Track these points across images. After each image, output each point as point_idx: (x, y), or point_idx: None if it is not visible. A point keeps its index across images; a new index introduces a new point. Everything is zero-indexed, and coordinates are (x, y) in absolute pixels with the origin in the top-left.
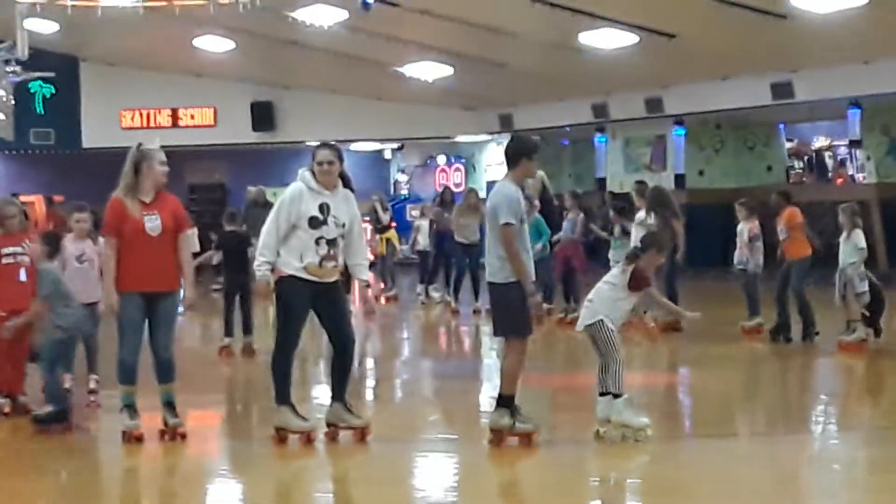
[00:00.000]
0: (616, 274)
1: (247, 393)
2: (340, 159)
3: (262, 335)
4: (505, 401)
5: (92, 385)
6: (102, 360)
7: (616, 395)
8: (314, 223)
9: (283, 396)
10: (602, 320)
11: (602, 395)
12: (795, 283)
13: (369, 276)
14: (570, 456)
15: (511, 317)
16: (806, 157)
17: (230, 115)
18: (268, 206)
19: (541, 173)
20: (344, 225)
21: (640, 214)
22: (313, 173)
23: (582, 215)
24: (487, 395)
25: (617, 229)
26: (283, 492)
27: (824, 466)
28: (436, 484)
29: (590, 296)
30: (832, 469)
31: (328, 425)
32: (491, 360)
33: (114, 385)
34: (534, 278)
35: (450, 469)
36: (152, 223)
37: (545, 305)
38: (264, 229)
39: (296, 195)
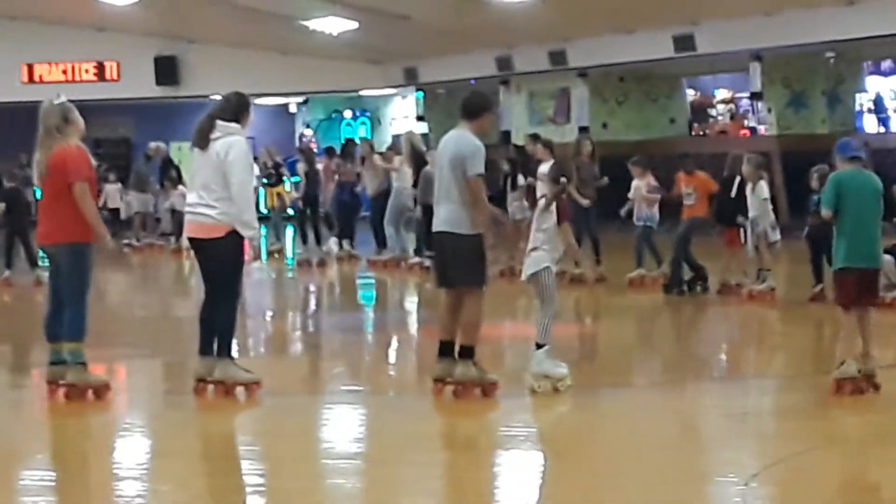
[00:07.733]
0: (544, 217)
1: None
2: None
3: None
4: (468, 352)
5: None
6: None
7: (539, 346)
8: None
9: (230, 349)
10: (548, 267)
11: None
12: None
13: None
14: (474, 406)
15: (471, 268)
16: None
17: (134, 69)
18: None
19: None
20: None
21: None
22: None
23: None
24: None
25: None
26: (189, 445)
27: (729, 414)
28: (345, 435)
29: (531, 245)
30: (737, 417)
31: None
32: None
33: None
34: None
35: (356, 420)
36: None
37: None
38: (249, 193)
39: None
